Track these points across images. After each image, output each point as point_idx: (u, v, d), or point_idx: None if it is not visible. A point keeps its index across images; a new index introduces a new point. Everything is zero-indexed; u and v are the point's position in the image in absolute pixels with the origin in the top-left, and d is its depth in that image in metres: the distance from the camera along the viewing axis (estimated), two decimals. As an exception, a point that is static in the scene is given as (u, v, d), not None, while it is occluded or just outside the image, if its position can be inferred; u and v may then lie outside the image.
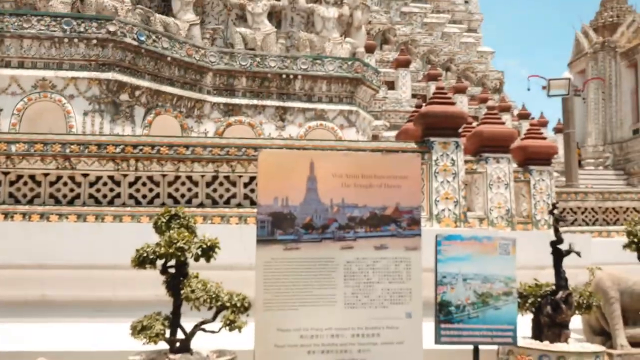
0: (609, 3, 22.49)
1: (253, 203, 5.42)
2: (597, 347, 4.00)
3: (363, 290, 3.31)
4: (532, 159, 6.51)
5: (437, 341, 3.69)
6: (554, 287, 4.06)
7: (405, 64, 15.76)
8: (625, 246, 4.77)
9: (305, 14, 10.17)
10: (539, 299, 4.03)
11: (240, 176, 5.71)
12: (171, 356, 3.44)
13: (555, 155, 7.08)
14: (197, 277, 3.63)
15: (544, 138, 6.89)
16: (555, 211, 4.36)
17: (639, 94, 20.10)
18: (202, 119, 8.96)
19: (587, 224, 8.39)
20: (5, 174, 5.54)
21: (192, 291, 3.49)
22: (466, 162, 6.01)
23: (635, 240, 4.65)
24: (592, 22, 22.37)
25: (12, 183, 5.55)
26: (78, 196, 5.60)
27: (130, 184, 5.67)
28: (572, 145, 12.28)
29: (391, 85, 15.54)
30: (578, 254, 4.05)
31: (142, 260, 3.55)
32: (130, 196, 5.65)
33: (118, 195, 5.64)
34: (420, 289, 3.39)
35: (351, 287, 3.29)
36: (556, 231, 4.18)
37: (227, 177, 5.73)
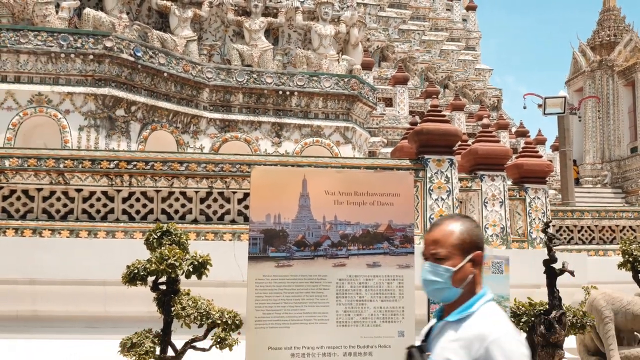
0: (607, 22, 22.66)
1: (247, 219, 5.42)
2: (592, 367, 3.99)
3: (355, 308, 3.31)
4: (527, 177, 6.53)
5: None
6: (547, 307, 4.06)
7: (403, 81, 15.83)
8: (620, 265, 4.78)
9: (303, 31, 10.24)
10: (532, 318, 4.03)
11: (234, 192, 5.73)
12: (161, 374, 3.42)
13: (551, 173, 7.11)
14: (188, 293, 3.62)
15: (540, 156, 6.93)
16: (549, 230, 4.37)
17: (636, 113, 20.20)
18: (198, 135, 8.98)
19: (584, 243, 8.39)
20: (-1, 188, 5.54)
21: (183, 308, 3.49)
22: (461, 179, 6.03)
23: (630, 259, 4.66)
24: (589, 41, 22.52)
25: (4, 198, 5.55)
26: (71, 211, 5.61)
27: (124, 200, 5.68)
28: (568, 163, 12.31)
29: (389, 102, 15.60)
30: (571, 273, 4.06)
31: (132, 277, 3.54)
32: (124, 212, 5.66)
33: (111, 211, 5.64)
34: (413, 307, 3.39)
35: (343, 305, 3.29)
36: (549, 250, 4.19)
37: (221, 194, 5.75)
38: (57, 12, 8.37)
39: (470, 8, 21.96)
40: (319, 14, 10.00)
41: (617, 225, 8.64)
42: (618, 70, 20.77)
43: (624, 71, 20.60)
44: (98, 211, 5.65)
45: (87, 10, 8.57)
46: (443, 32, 20.14)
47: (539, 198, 6.38)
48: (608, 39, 21.98)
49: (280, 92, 9.27)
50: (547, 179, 6.62)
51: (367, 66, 13.74)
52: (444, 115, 6.32)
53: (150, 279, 3.56)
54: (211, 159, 5.87)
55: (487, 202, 5.96)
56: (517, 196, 6.44)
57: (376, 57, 18.01)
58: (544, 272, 4.15)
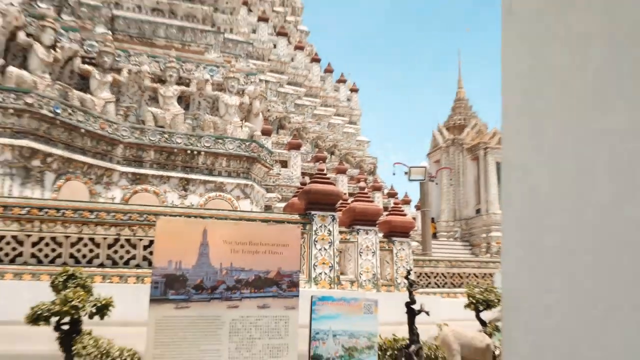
0: (458, 109, 24.49)
1: (151, 264, 5.18)
2: (443, 394, 4.09)
3: (246, 345, 3.22)
4: (394, 231, 6.76)
5: (310, 391, 3.62)
6: (408, 342, 4.14)
7: (297, 147, 16.09)
8: (466, 306, 5.01)
9: (211, 100, 10.21)
10: (395, 352, 4.10)
11: (140, 239, 5.48)
12: (57, 411, 3.13)
13: (414, 228, 7.41)
14: (89, 333, 3.38)
15: (405, 214, 7.22)
16: (410, 276, 4.52)
17: (479, 182, 21.67)
18: (111, 186, 8.56)
19: (439, 286, 8.70)
20: None
21: (84, 347, 3.24)
22: (341, 232, 6.14)
23: (474, 301, 4.91)
24: (445, 123, 24.16)
25: None
26: (-21, 254, 5.10)
27: (34, 244, 5.25)
28: (427, 220, 12.92)
29: (285, 164, 15.74)
30: (427, 312, 4.20)
31: (36, 318, 3.26)
32: (33, 255, 5.23)
33: (20, 254, 5.19)
34: (296, 343, 3.35)
35: (235, 343, 3.19)
36: (410, 293, 4.32)
37: (128, 240, 5.48)
38: (-20, 67, 7.83)
39: (353, 90, 22.92)
40: (226, 86, 10.04)
41: (464, 273, 9.05)
42: (466, 147, 22.31)
43: (471, 148, 22.19)
44: (7, 254, 5.18)
45: (10, 68, 8.06)
46: (331, 108, 20.81)
47: (403, 249, 6.60)
48: (459, 122, 23.70)
49: (189, 151, 9.11)
50: (410, 233, 6.88)
51: (266, 133, 13.86)
52: (329, 178, 6.46)
53: (54, 319, 3.29)
54: (120, 208, 5.62)
55: (362, 252, 6.09)
56: (387, 247, 6.63)
57: (275, 126, 18.24)
58: (406, 312, 4.26)
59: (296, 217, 5.94)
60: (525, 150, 0.72)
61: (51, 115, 7.69)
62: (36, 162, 7.54)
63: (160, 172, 8.94)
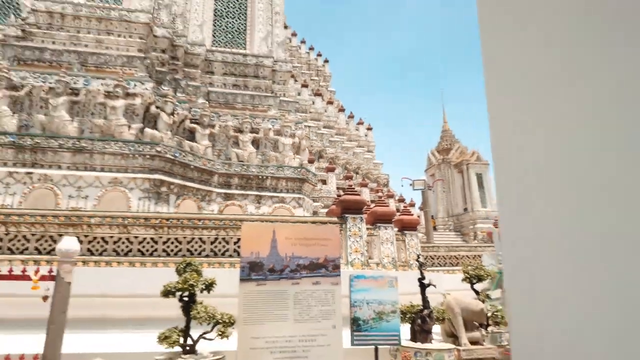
0: (445, 137, 24.00)
1: (239, 255, 5.24)
2: (450, 345, 3.94)
3: (305, 310, 3.21)
4: (406, 227, 6.60)
5: (352, 343, 3.56)
6: (421, 307, 4.02)
7: (332, 170, 16.07)
8: (463, 280, 4.83)
9: (273, 141, 10.36)
10: (413, 315, 3.98)
11: (231, 238, 5.56)
12: (183, 356, 3.18)
13: (420, 224, 7.21)
14: (201, 303, 3.43)
15: (412, 214, 7.05)
16: (420, 259, 4.40)
17: (464, 188, 21.07)
18: (211, 203, 8.77)
19: (440, 266, 8.43)
20: (86, 236, 5.20)
21: (198, 312, 3.29)
22: (367, 229, 6.05)
23: (468, 276, 4.72)
24: (436, 147, 23.69)
25: (89, 242, 5.21)
26: (130, 250, 5.29)
27: (164, 242, 5.42)
28: (428, 218, 12.62)
29: (324, 182, 15.73)
30: (434, 285, 4.07)
31: (167, 292, 3.34)
32: (163, 250, 5.38)
33: (156, 250, 5.36)
34: (341, 309, 3.32)
35: (298, 309, 3.18)
36: (420, 271, 4.20)
37: (223, 238, 5.57)
38: (128, 130, 8.23)
39: (369, 128, 22.81)
40: (282, 132, 10.16)
41: (459, 255, 8.73)
42: (453, 164, 21.79)
43: (457, 164, 21.66)
44: (147, 250, 5.36)
45: (146, 129, 8.45)
46: (354, 142, 20.76)
47: (413, 239, 6.44)
48: (446, 146, 23.18)
49: (260, 177, 9.24)
50: (417, 227, 6.71)
51: (311, 161, 13.90)
52: (356, 191, 6.41)
53: (179, 293, 3.36)
54: (218, 217, 5.73)
55: (383, 242, 5.97)
56: (401, 238, 6.47)
57: (316, 156, 18.29)
58: (419, 286, 4.14)
59: (335, 219, 5.91)
60: (511, 151, 0.59)
61: (172, 157, 7.97)
62: (164, 189, 7.81)
63: (242, 192, 9.09)
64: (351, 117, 22.09)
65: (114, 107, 8.23)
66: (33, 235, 5.14)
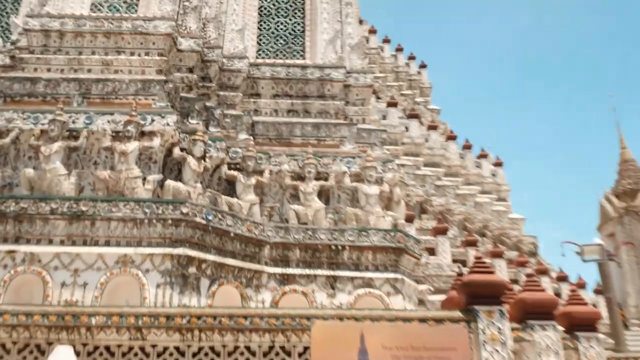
0: (626, 172, 22.50)
1: (308, 373, 5.13)
2: None
3: None
4: (577, 324, 6.10)
5: None
6: None
7: (443, 232, 15.64)
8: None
9: (350, 192, 10.43)
10: None
11: (294, 346, 5.49)
12: None
13: (600, 319, 6.63)
14: None
15: (586, 303, 6.51)
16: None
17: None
18: (260, 289, 8.91)
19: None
20: (84, 344, 5.49)
21: None
22: (513, 329, 5.66)
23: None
24: (612, 189, 22.25)
25: (89, 354, 5.48)
26: (146, 366, 5.45)
27: (194, 354, 5.51)
28: (613, 308, 11.57)
29: (432, 252, 15.31)
30: None
31: None
32: (194, 366, 5.47)
33: (182, 366, 5.46)
34: None
35: None
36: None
37: (282, 347, 5.52)
38: (143, 184, 8.86)
39: (498, 164, 22.17)
40: (364, 176, 10.25)
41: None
42: (646, 216, 20.21)
43: (652, 216, 20.03)
44: (170, 366, 5.48)
45: (168, 182, 9.04)
46: (475, 186, 20.22)
47: (592, 347, 5.89)
48: (630, 187, 21.69)
49: (333, 247, 9.28)
50: (596, 325, 6.15)
51: (409, 219, 13.75)
52: (489, 267, 6.10)
53: None
54: (273, 313, 5.75)
55: (541, 353, 5.52)
56: (570, 345, 5.96)
57: (416, 211, 18.05)
58: None
59: (458, 314, 5.60)
60: None
61: (204, 222, 8.37)
62: (192, 269, 8.14)
63: (307, 271, 9.15)
64: (467, 147, 21.79)
65: (124, 152, 8.96)
66: (14, 343, 5.55)
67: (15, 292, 8.06)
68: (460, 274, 7.99)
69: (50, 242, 8.31)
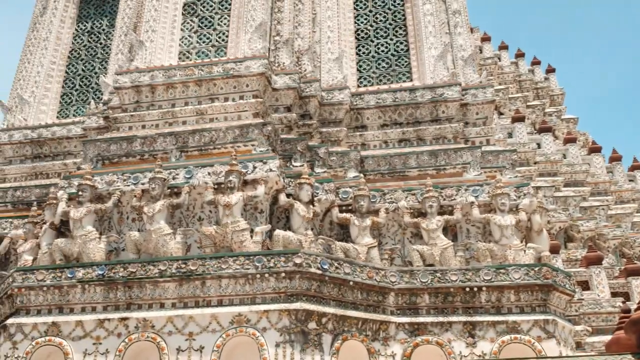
0: None
1: None
2: None
3: None
4: None
5: None
6: None
7: (597, 261, 14.81)
8: None
9: (481, 224, 10.26)
10: None
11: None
12: None
13: None
14: None
15: None
16: None
17: None
18: (388, 341, 8.93)
19: None
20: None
21: None
22: (702, 373, 5.26)
23: None
24: None
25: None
26: None
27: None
28: None
29: (585, 285, 14.54)
30: None
31: None
32: None
33: None
34: None
35: None
36: None
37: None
38: (251, 236, 9.31)
39: (658, 176, 20.77)
40: (495, 205, 10.05)
41: None
42: None
43: None
44: None
45: (277, 232, 9.44)
46: (631, 204, 19.06)
47: None
48: None
49: (468, 289, 9.14)
50: None
51: (554, 250, 13.19)
52: (663, 299, 5.74)
53: None
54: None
55: None
56: None
57: (561, 239, 17.29)
58: None
59: (629, 357, 5.32)
60: None
61: (320, 272, 8.60)
62: (312, 325, 8.35)
63: (440, 319, 9.06)
64: (616, 159, 20.70)
65: (229, 204, 9.49)
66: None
67: (132, 361, 8.70)
68: (626, 310, 7.53)
69: (162, 305, 8.91)
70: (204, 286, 8.79)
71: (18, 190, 12.72)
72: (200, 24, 12.95)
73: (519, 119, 19.40)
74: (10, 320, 9.12)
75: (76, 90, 14.70)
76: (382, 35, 13.76)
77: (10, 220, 11.85)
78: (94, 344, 8.78)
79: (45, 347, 8.87)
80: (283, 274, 8.55)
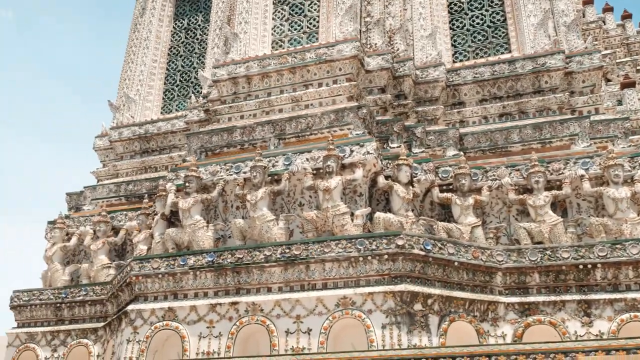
0: None
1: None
2: None
3: None
4: None
5: None
6: None
7: None
8: None
9: (593, 198, 9.80)
10: None
11: (554, 386, 5.33)
12: None
13: None
14: None
15: None
16: None
17: None
18: (498, 322, 8.75)
19: None
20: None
21: None
22: None
23: None
24: None
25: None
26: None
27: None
28: None
29: None
30: None
31: None
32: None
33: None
34: None
35: None
36: None
37: (540, 388, 5.40)
38: (352, 220, 9.40)
39: None
40: (608, 177, 9.57)
41: None
42: None
43: None
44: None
45: (377, 214, 9.48)
46: None
47: None
48: None
49: (581, 266, 8.77)
50: None
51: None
52: None
53: None
54: (520, 349, 5.65)
55: None
56: None
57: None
58: None
59: None
60: None
61: (423, 253, 8.56)
62: (418, 306, 8.33)
63: (552, 297, 8.77)
64: None
65: (328, 189, 9.62)
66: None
67: (244, 344, 9.06)
68: None
69: (269, 290, 9.20)
70: (308, 270, 8.99)
71: (130, 184, 13.48)
72: (291, 12, 13.13)
73: (628, 84, 18.24)
74: (130, 307, 9.74)
75: (177, 85, 15.35)
76: (476, 7, 13.35)
77: (124, 212, 12.59)
78: (207, 327, 9.21)
79: (163, 331, 9.41)
80: (386, 256, 8.57)
